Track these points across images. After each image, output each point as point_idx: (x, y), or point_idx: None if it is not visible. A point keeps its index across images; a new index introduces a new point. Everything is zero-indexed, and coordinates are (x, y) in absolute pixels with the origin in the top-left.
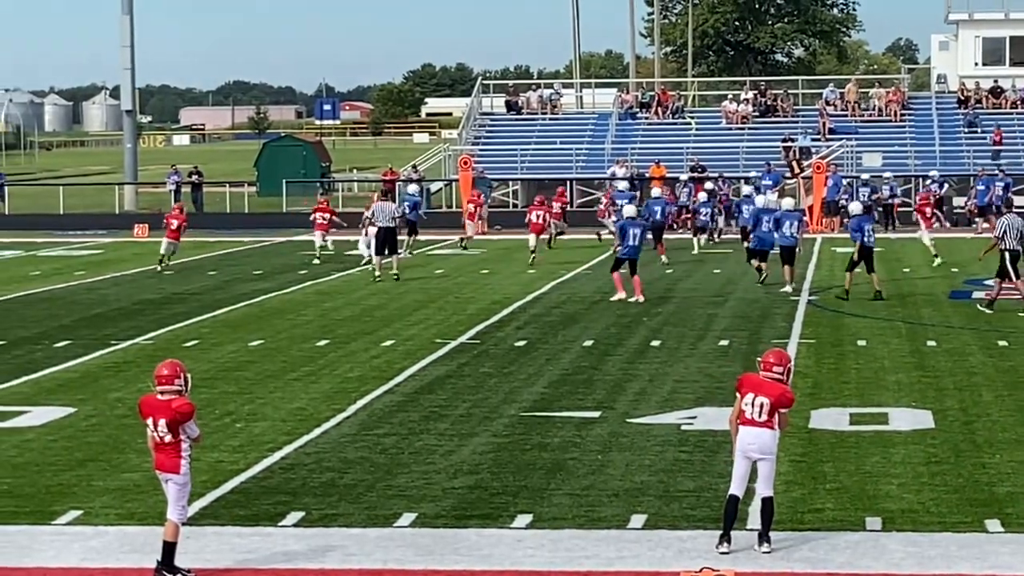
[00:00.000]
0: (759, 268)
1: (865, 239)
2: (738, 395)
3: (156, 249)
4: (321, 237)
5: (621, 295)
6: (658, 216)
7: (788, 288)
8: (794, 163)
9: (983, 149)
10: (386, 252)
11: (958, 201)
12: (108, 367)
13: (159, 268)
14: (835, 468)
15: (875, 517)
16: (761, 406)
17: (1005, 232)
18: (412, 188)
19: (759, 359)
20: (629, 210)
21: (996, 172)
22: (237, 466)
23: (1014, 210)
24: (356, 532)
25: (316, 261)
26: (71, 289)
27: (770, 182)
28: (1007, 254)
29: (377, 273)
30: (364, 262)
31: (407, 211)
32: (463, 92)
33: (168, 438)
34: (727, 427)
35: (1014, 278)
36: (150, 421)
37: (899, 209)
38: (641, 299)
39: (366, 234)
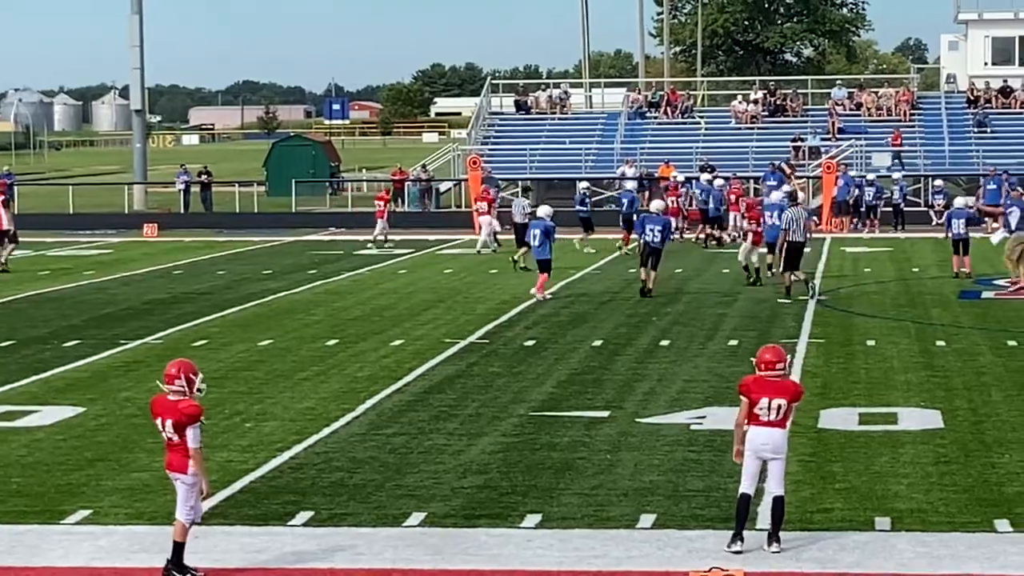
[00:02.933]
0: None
1: (649, 238)
2: (744, 399)
3: (165, 249)
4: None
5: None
6: (625, 208)
7: (798, 274)
8: (784, 165)
9: (992, 149)
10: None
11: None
12: (117, 367)
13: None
14: (844, 468)
15: (884, 517)
16: (779, 408)
17: (789, 225)
18: (582, 185)
19: (753, 358)
20: (541, 210)
21: (1000, 172)
22: (246, 465)
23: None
24: (365, 531)
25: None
26: (80, 289)
27: (775, 182)
28: (787, 245)
29: (521, 263)
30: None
31: (578, 206)
32: (472, 92)
33: (176, 438)
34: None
35: (784, 268)
36: (159, 421)
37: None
38: (541, 296)
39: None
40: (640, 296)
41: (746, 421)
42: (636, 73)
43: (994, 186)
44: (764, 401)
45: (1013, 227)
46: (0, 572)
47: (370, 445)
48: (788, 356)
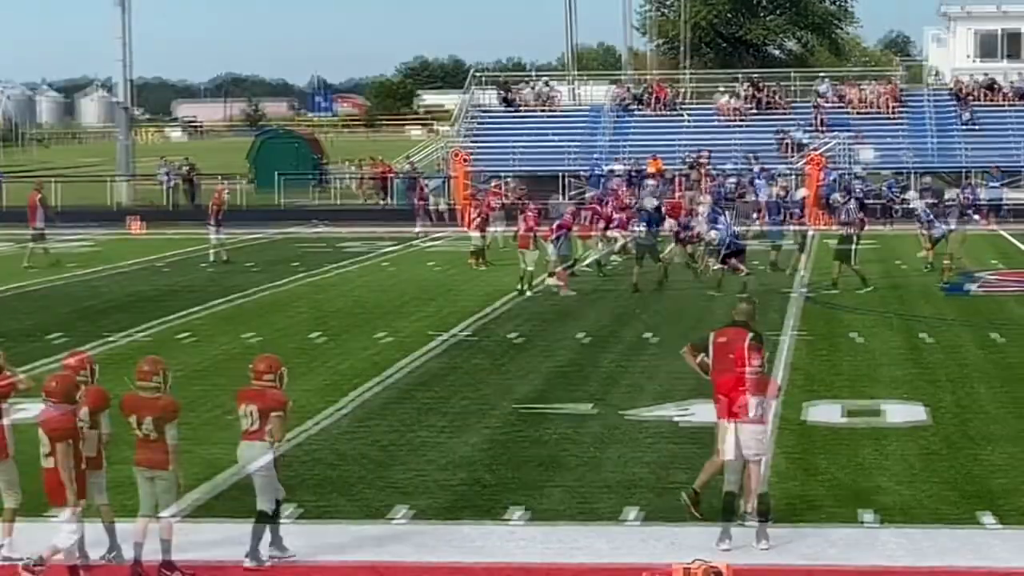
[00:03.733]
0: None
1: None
2: (721, 396)
3: (151, 243)
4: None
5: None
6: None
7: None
8: (751, 157)
9: (977, 144)
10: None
11: (950, 194)
12: (102, 361)
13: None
14: (829, 462)
15: (869, 510)
16: (759, 405)
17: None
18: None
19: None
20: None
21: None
22: (232, 459)
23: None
24: (350, 526)
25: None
26: (66, 283)
27: (763, 181)
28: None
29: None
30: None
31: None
32: (457, 86)
33: (154, 435)
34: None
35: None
36: (133, 419)
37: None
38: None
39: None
40: (632, 292)
41: (730, 417)
42: (621, 67)
43: (996, 184)
44: (754, 400)
45: (953, 225)
46: None
47: (355, 439)
48: (766, 353)
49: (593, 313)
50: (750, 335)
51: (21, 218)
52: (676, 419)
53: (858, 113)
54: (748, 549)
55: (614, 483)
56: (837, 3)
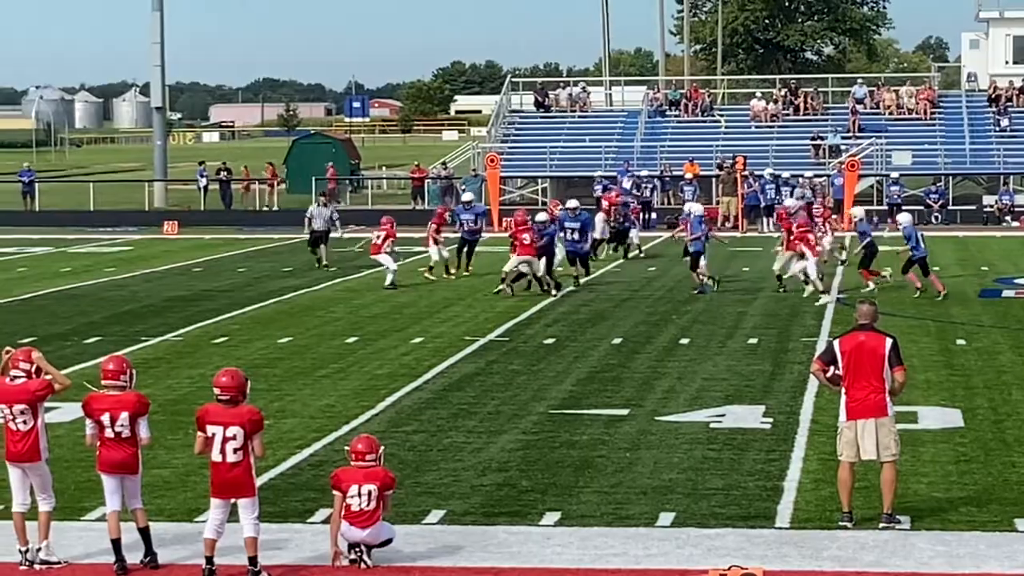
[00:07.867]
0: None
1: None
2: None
3: (185, 245)
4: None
5: None
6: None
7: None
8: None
9: (1013, 147)
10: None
11: (988, 199)
12: (138, 364)
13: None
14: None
15: (904, 515)
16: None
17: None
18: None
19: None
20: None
21: None
22: (266, 463)
23: None
24: None
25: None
26: (101, 286)
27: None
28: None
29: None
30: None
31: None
32: (492, 90)
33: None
34: (755, 425)
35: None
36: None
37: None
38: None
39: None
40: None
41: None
42: (656, 71)
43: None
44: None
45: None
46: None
47: (390, 443)
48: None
49: (627, 316)
50: (889, 341)
51: (55, 222)
52: (710, 423)
53: (894, 117)
54: (780, 551)
55: (648, 487)
56: (874, 8)
